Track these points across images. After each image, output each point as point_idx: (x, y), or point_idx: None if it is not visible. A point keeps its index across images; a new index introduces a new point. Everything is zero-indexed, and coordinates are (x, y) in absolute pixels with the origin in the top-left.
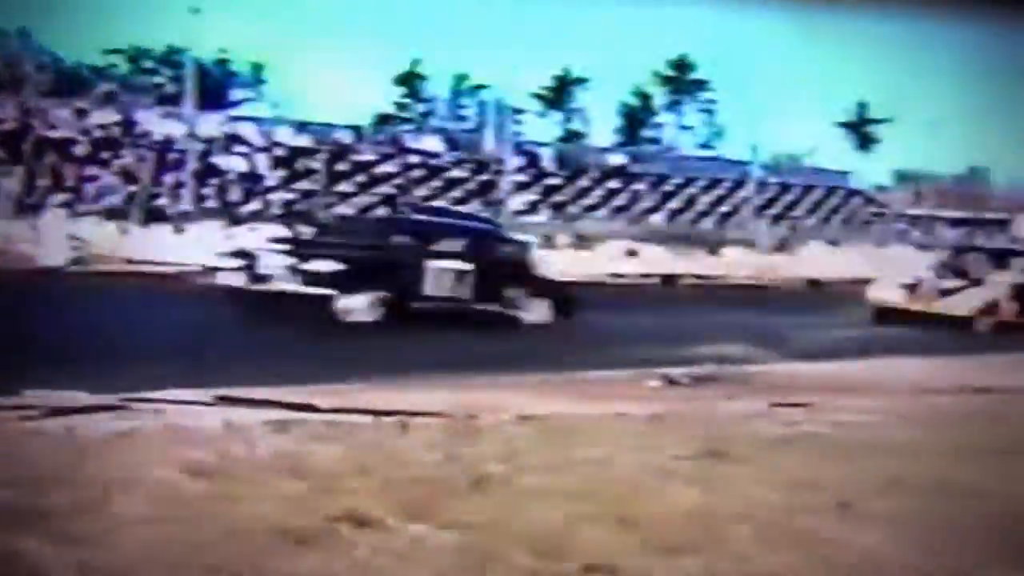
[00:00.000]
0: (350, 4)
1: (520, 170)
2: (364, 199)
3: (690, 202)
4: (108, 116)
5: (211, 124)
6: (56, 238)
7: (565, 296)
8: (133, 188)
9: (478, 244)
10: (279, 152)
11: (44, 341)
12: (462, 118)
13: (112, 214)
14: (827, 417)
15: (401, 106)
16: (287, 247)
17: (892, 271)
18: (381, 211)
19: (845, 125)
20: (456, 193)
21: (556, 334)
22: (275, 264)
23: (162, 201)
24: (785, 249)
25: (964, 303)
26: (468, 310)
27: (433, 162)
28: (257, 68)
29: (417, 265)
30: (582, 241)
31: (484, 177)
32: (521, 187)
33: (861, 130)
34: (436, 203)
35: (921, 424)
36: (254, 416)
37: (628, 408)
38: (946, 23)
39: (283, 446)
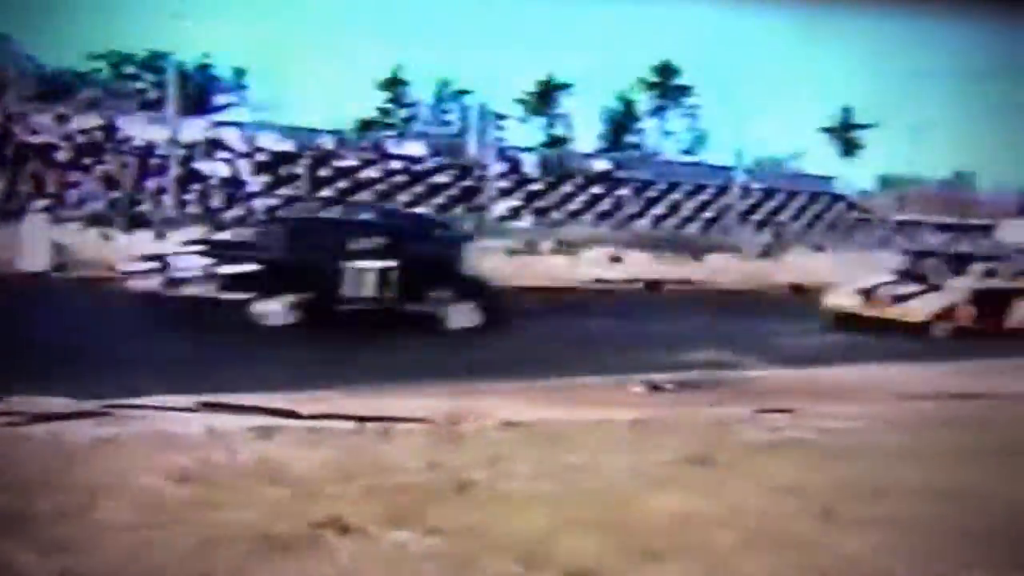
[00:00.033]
0: (333, 9)
1: (503, 175)
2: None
3: (674, 208)
4: (90, 121)
5: (194, 129)
6: (38, 244)
7: (495, 299)
8: (115, 194)
9: (399, 242)
10: (262, 157)
11: (28, 347)
12: (445, 123)
13: (94, 220)
14: (811, 423)
15: (384, 111)
16: (201, 249)
17: (875, 277)
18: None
19: (829, 130)
20: (439, 199)
21: (484, 339)
22: (190, 267)
23: (144, 207)
24: (769, 255)
25: (922, 308)
26: (390, 312)
27: (416, 167)
28: (239, 73)
29: (335, 265)
30: (565, 247)
31: (467, 183)
32: (504, 192)
33: (845, 135)
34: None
35: (905, 429)
36: (237, 422)
37: (612, 414)
38: (930, 27)
39: (266, 452)
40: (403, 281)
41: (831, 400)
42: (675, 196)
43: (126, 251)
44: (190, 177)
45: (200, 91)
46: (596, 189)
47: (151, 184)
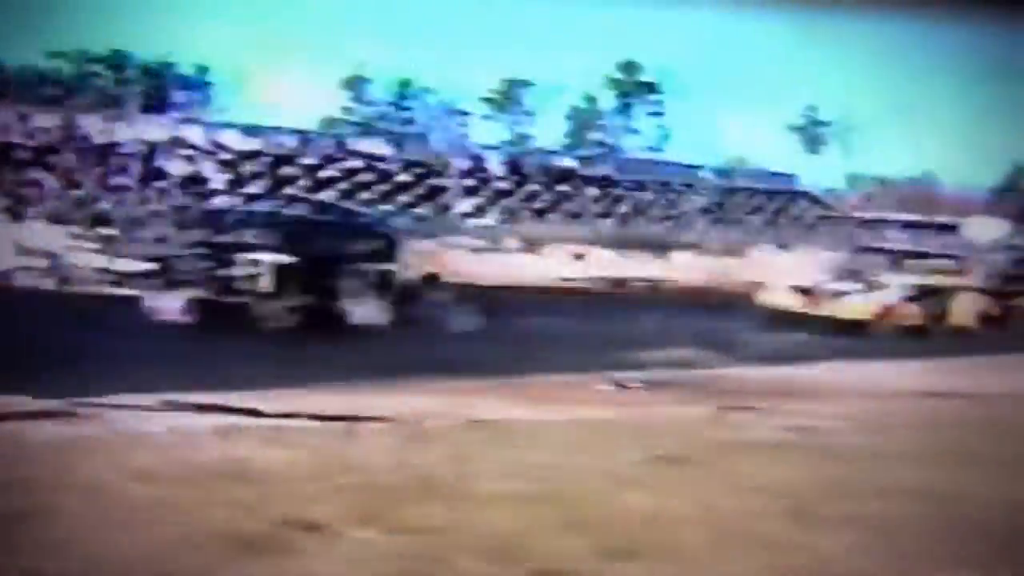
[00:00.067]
0: (295, 7)
1: (467, 174)
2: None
3: (639, 205)
4: (51, 120)
5: (156, 128)
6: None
7: (407, 296)
8: (77, 192)
9: (303, 235)
10: (225, 156)
11: None
12: (409, 121)
13: (56, 219)
14: (779, 421)
15: (347, 109)
16: (94, 246)
17: (813, 274)
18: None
19: (795, 128)
20: (403, 197)
21: (389, 338)
22: (81, 263)
23: (106, 205)
24: (735, 253)
25: (863, 306)
26: (292, 308)
27: (379, 166)
28: (202, 71)
29: (232, 260)
30: (530, 245)
31: (431, 181)
32: (469, 191)
33: (811, 133)
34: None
35: (874, 428)
36: (202, 421)
37: (579, 413)
38: (895, 26)
39: (231, 451)
40: (303, 276)
41: (800, 398)
42: (640, 194)
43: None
44: (153, 176)
45: (162, 89)
46: (561, 187)
47: (113, 183)
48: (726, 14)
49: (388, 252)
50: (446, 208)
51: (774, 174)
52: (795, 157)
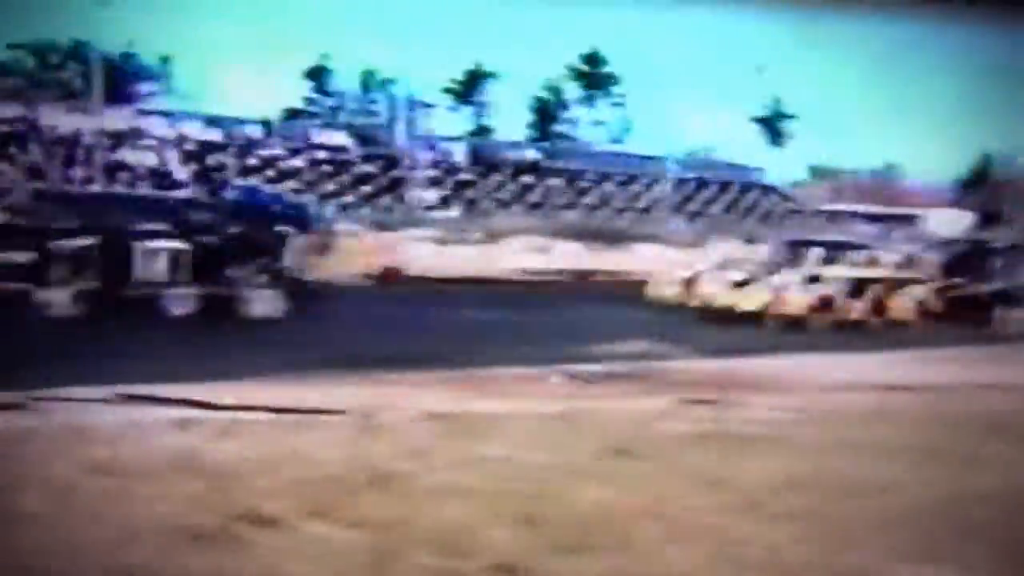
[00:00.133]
0: None
1: (431, 165)
2: None
3: (604, 198)
4: (13, 111)
5: (118, 119)
6: None
7: (303, 287)
8: (40, 184)
9: (196, 221)
10: (188, 147)
11: None
12: (371, 113)
13: (19, 210)
14: (734, 414)
15: (310, 100)
16: None
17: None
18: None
19: (759, 120)
20: (366, 188)
21: (286, 329)
22: None
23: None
24: (699, 245)
25: (797, 300)
26: (187, 297)
27: (342, 157)
28: (164, 61)
29: (126, 248)
30: (494, 237)
31: (394, 172)
32: (432, 182)
33: (775, 125)
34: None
35: (827, 421)
36: (155, 414)
37: (533, 406)
38: (857, 18)
39: (184, 444)
40: (199, 264)
41: (755, 391)
42: (605, 186)
43: None
44: (116, 167)
45: (124, 80)
46: (525, 179)
47: (76, 174)
48: (690, 6)
49: (282, 241)
50: (409, 200)
51: (741, 167)
52: (759, 150)
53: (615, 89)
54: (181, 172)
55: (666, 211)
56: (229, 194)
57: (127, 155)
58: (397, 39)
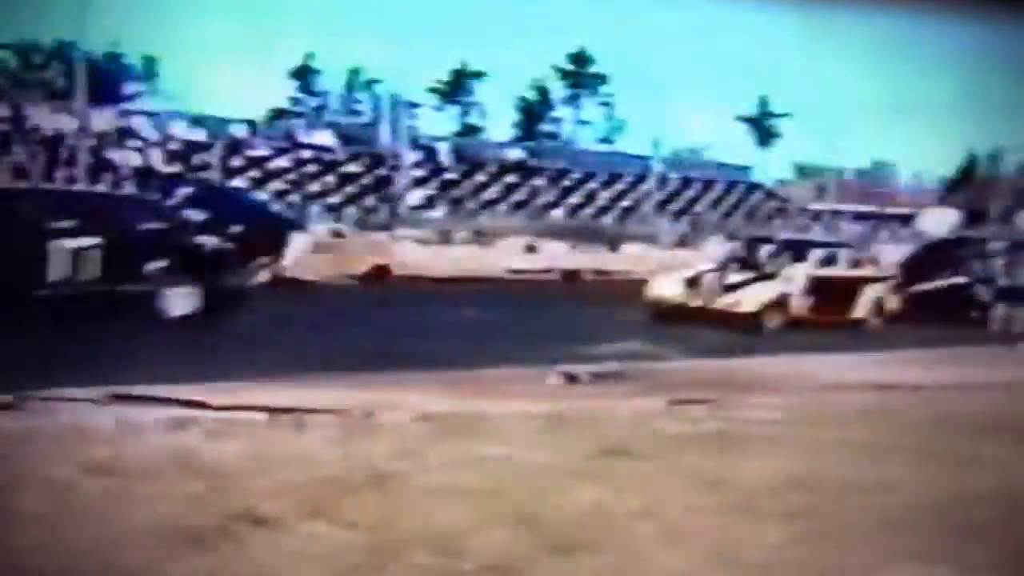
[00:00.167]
0: None
1: (417, 165)
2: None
3: (590, 197)
4: None
5: (103, 119)
6: None
7: (222, 285)
8: (24, 184)
9: (114, 215)
10: (173, 146)
11: None
12: (357, 113)
13: None
14: (729, 414)
15: (295, 100)
16: None
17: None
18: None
19: (746, 119)
20: (351, 188)
21: (203, 328)
22: None
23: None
24: (687, 244)
25: (754, 298)
26: (100, 296)
27: (327, 157)
28: (149, 61)
29: (38, 245)
30: (480, 237)
31: (380, 172)
32: (418, 182)
33: (762, 124)
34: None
35: (823, 421)
36: (150, 414)
37: (528, 406)
38: (846, 16)
39: (179, 444)
40: (114, 262)
41: (750, 391)
42: (591, 185)
43: None
44: (101, 166)
45: (109, 80)
46: (511, 178)
47: (61, 174)
48: (677, 6)
49: (183, 231)
50: (395, 199)
51: (727, 166)
52: (746, 149)
53: (602, 88)
54: (165, 172)
55: (652, 210)
56: (180, 191)
57: (112, 155)
58: (383, 39)
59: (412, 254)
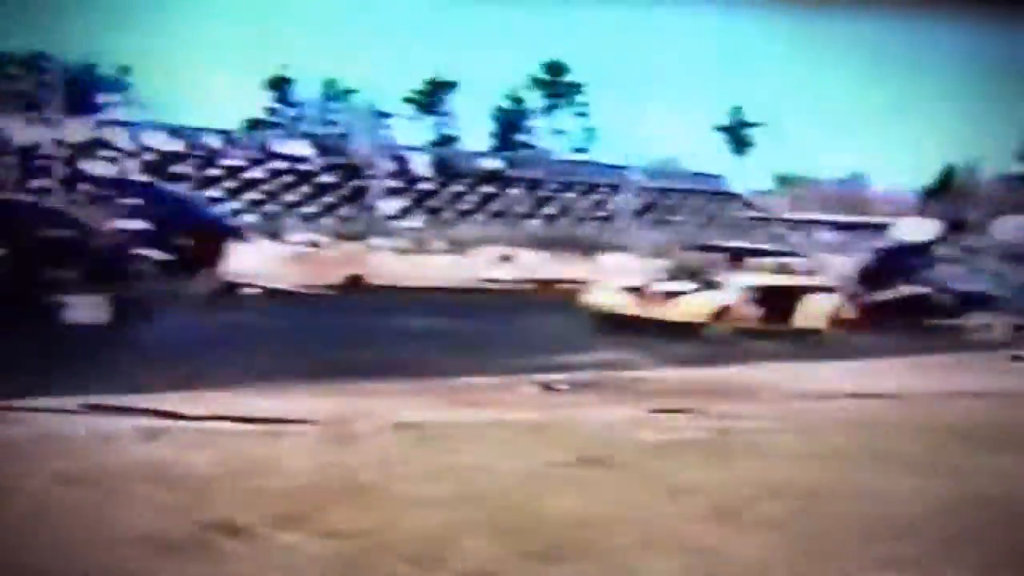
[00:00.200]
0: (218, 6)
1: (392, 175)
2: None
3: (567, 207)
4: None
5: (78, 129)
6: None
7: (128, 292)
8: None
9: (13, 221)
10: (149, 157)
11: None
12: (332, 123)
13: None
14: (708, 423)
15: (271, 110)
16: None
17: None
18: None
19: (722, 129)
20: (328, 198)
21: (108, 338)
22: None
23: None
24: (663, 254)
25: (696, 307)
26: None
27: (303, 167)
28: (124, 71)
29: None
30: (456, 247)
31: (355, 182)
32: (393, 192)
33: (738, 134)
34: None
35: (801, 429)
36: (124, 424)
37: (506, 415)
38: (822, 24)
39: (154, 454)
40: (16, 268)
41: (727, 400)
42: (567, 195)
43: None
44: (76, 178)
45: (84, 90)
46: (487, 188)
47: (36, 185)
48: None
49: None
50: (370, 210)
51: (704, 175)
52: (723, 158)
53: (578, 98)
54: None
55: (629, 220)
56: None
57: (87, 166)
58: (358, 49)
59: (388, 264)
